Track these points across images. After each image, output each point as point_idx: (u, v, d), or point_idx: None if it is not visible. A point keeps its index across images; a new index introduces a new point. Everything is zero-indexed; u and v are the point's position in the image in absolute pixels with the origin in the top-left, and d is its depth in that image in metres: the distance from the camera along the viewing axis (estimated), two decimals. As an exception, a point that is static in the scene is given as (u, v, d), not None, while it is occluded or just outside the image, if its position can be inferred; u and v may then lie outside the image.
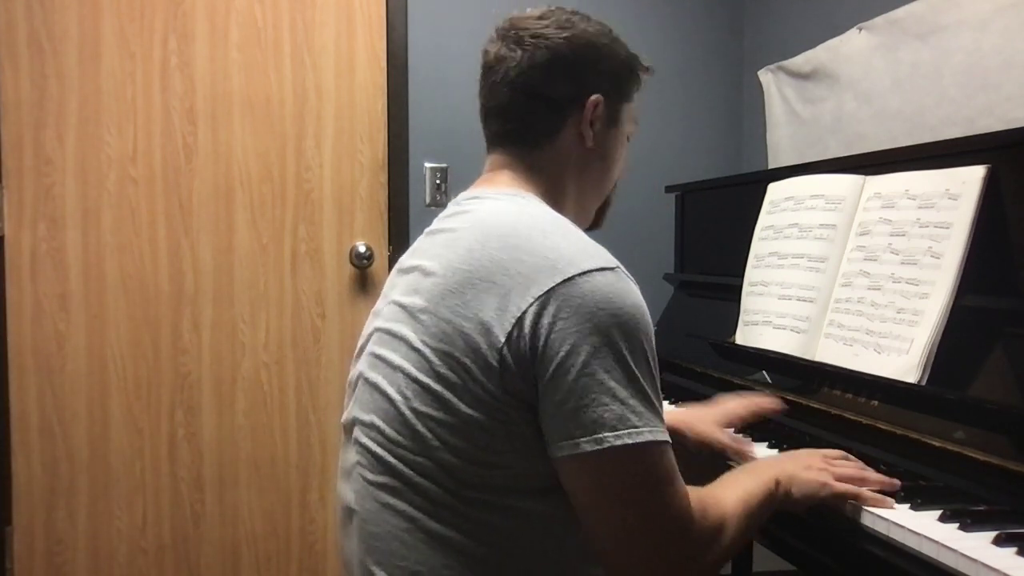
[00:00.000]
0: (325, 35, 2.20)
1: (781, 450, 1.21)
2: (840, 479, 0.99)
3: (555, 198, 1.00)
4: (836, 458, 1.05)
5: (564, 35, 0.98)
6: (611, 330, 0.82)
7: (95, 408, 2.06)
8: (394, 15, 2.26)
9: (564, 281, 0.83)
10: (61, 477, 2.04)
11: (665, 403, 1.59)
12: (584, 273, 0.83)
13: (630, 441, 0.80)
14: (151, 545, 2.11)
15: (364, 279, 2.25)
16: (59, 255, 2.03)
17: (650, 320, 0.86)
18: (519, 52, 0.98)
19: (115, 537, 2.08)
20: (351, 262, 2.24)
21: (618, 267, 0.87)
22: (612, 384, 0.81)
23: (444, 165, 2.31)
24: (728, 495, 0.91)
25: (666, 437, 0.84)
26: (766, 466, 1.01)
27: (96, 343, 2.06)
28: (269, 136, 2.17)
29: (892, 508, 0.95)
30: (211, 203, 2.13)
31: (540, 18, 1.00)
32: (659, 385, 0.86)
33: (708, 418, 1.27)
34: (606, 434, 0.80)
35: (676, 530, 0.84)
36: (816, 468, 1.00)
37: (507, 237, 0.88)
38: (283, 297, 2.20)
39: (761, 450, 1.22)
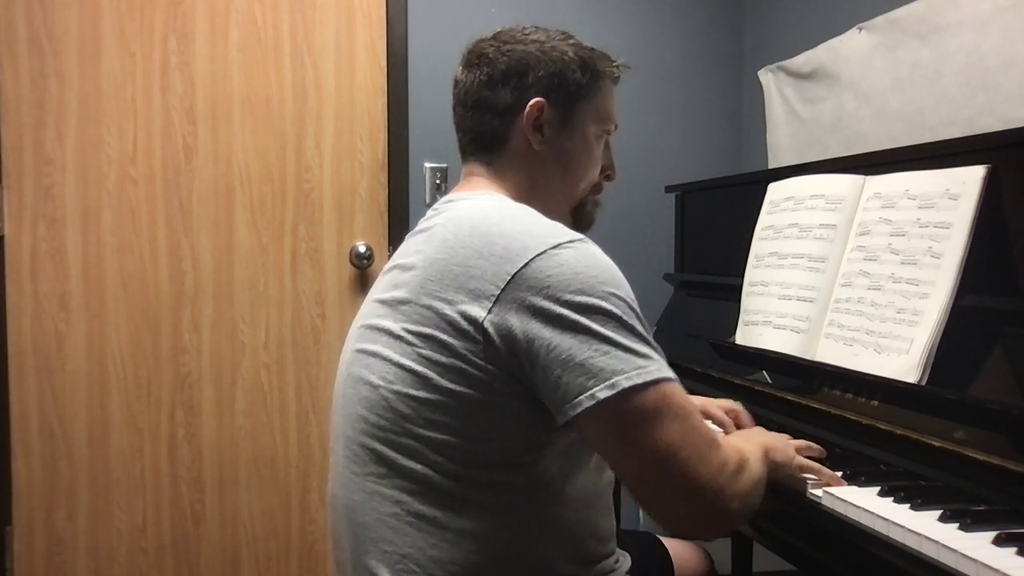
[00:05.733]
0: (325, 35, 2.20)
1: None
2: (799, 451, 1.07)
3: (522, 199, 1.04)
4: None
5: (504, 48, 1.05)
6: (596, 289, 0.85)
7: (95, 408, 2.06)
8: (394, 15, 2.26)
9: (537, 256, 0.87)
10: (61, 477, 2.04)
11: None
12: (555, 247, 0.87)
13: (640, 380, 0.83)
14: (151, 545, 2.11)
15: (364, 279, 2.25)
16: (59, 255, 2.03)
17: (625, 280, 0.90)
18: (467, 74, 1.07)
19: (115, 537, 2.08)
20: (351, 262, 2.24)
21: (586, 239, 0.91)
22: (611, 334, 0.84)
23: (444, 165, 2.31)
24: (739, 443, 0.95)
25: (674, 375, 0.87)
26: (754, 435, 1.07)
27: (96, 343, 2.06)
28: (269, 136, 2.17)
29: (844, 485, 1.03)
30: (211, 203, 2.13)
31: (492, 39, 1.07)
32: (651, 333, 0.90)
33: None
34: (617, 378, 0.83)
35: (710, 462, 0.85)
36: (784, 440, 1.08)
37: (479, 225, 0.92)
38: (283, 297, 2.20)
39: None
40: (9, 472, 2.00)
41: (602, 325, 0.84)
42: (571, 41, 1.08)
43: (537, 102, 1.03)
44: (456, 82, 1.09)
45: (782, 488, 1.05)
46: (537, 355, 0.85)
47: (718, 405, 1.30)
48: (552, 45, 1.05)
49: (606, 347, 0.83)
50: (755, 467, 0.92)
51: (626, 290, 0.89)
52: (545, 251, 0.87)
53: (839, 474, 1.06)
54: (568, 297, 0.84)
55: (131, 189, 2.08)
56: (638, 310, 0.89)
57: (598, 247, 0.91)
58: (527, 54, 1.04)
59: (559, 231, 0.90)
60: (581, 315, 0.84)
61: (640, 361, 0.84)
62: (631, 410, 0.83)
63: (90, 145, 2.04)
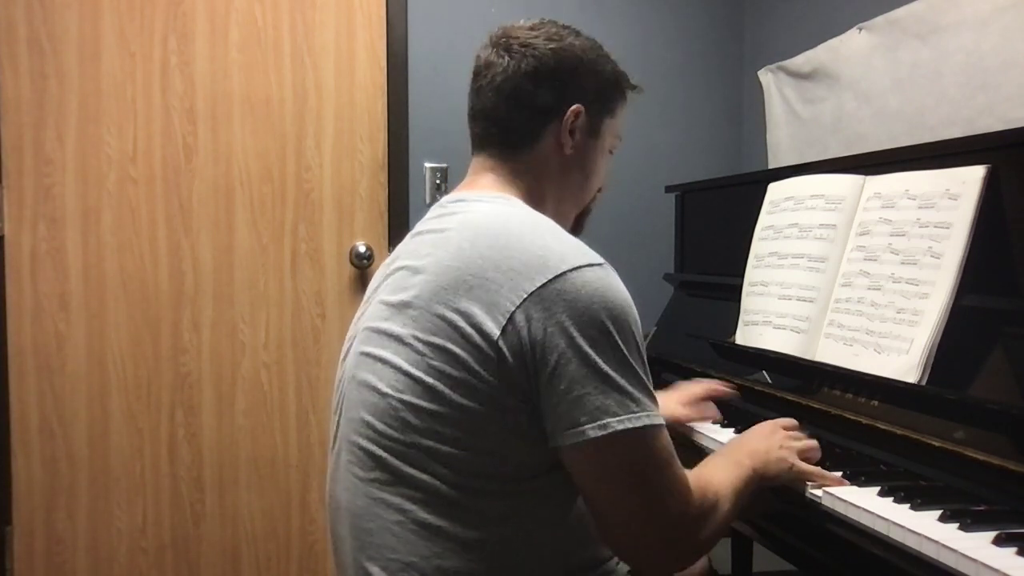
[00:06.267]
0: (325, 35, 2.20)
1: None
2: (802, 455, 1.07)
3: (535, 202, 1.03)
4: (789, 427, 1.13)
5: (551, 46, 1.02)
6: (605, 322, 0.86)
7: (95, 408, 2.06)
8: (394, 15, 2.26)
9: (556, 277, 0.86)
10: (61, 477, 2.04)
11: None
12: (575, 269, 0.87)
13: (631, 425, 0.84)
14: (151, 545, 2.11)
15: (364, 279, 2.25)
16: (59, 255, 2.03)
17: (636, 313, 0.90)
18: (507, 59, 1.02)
19: (115, 537, 2.08)
20: (351, 262, 2.24)
21: (605, 263, 0.90)
22: (611, 373, 0.85)
23: (444, 165, 2.31)
24: (718, 477, 0.97)
25: (662, 422, 0.88)
26: (741, 453, 1.04)
27: (96, 343, 2.06)
28: (269, 136, 2.17)
29: (845, 485, 1.03)
30: (211, 203, 2.13)
31: (531, 29, 1.04)
32: (649, 372, 0.91)
33: (670, 401, 1.36)
34: (609, 419, 0.84)
35: (679, 508, 0.88)
36: (786, 448, 1.07)
37: (497, 236, 0.91)
38: (283, 297, 2.20)
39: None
40: (9, 472, 2.00)
41: (606, 361, 0.85)
42: (602, 52, 1.08)
43: (578, 107, 1.03)
44: (489, 64, 1.03)
45: (782, 488, 1.05)
46: (541, 375, 0.85)
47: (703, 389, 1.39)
48: (594, 57, 1.06)
49: (604, 386, 0.84)
50: (725, 509, 0.94)
51: (637, 325, 0.89)
52: (564, 272, 0.86)
53: (839, 474, 1.06)
54: (581, 323, 0.85)
55: (131, 189, 2.08)
56: (642, 346, 0.90)
57: (615, 273, 0.91)
58: (573, 56, 1.03)
59: (580, 251, 0.90)
60: (589, 345, 0.84)
61: (633, 405, 0.85)
62: (616, 453, 0.85)
63: (90, 145, 2.04)
